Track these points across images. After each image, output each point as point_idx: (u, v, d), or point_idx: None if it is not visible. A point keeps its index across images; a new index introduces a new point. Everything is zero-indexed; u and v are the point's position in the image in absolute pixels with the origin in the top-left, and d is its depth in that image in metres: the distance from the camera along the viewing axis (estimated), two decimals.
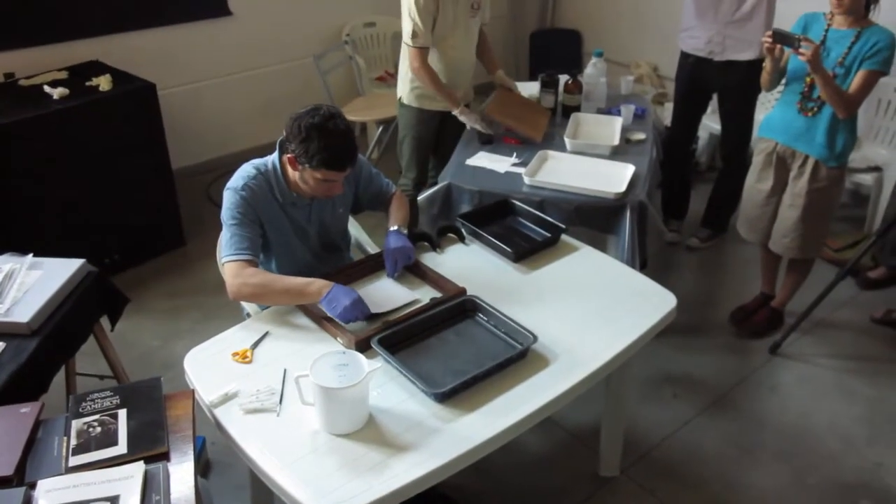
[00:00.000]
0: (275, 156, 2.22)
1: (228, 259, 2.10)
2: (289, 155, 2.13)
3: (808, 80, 2.76)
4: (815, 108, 2.78)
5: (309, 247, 2.35)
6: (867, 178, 3.87)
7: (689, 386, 3.00)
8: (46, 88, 3.40)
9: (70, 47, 3.80)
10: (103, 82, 3.48)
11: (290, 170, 2.18)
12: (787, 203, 2.96)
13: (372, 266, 2.32)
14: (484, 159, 3.04)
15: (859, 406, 2.91)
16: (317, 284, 2.05)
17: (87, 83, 3.49)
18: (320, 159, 2.07)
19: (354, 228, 2.64)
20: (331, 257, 2.42)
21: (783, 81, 2.93)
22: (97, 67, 3.72)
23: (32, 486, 1.56)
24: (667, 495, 2.52)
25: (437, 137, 3.41)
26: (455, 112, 3.18)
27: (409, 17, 3.04)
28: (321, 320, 2.05)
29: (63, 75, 3.61)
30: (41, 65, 3.66)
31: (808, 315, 3.14)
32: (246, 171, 2.20)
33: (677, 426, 2.81)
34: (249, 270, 2.08)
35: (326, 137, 2.05)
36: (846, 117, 2.73)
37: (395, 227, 2.36)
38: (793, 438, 2.76)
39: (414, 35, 3.05)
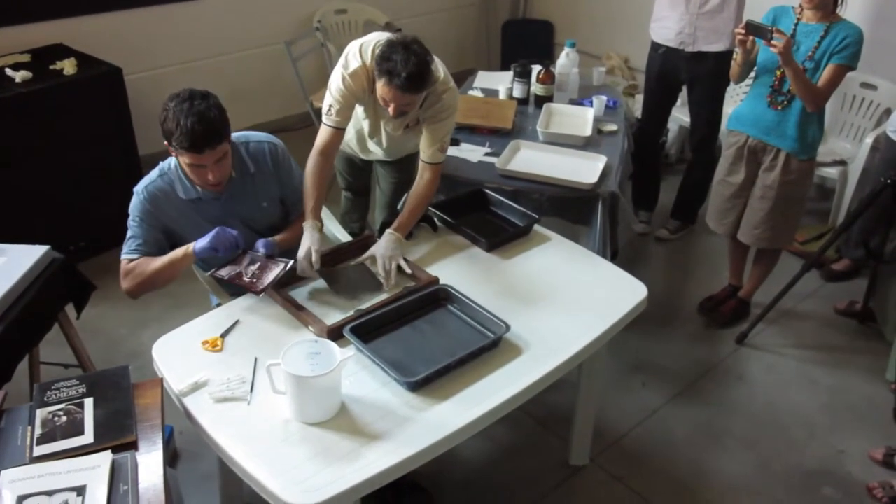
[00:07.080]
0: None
1: (121, 261, 2.15)
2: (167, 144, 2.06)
3: (778, 73, 2.79)
4: (785, 102, 2.81)
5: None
6: (832, 172, 3.93)
7: (658, 375, 3.04)
8: (8, 72, 3.31)
9: (33, 29, 3.69)
10: (68, 66, 3.40)
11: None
12: (757, 195, 3.00)
13: (349, 253, 2.32)
14: (456, 149, 3.03)
15: (822, 395, 2.97)
16: (182, 248, 2.08)
17: (51, 67, 3.41)
18: (178, 141, 1.98)
19: (325, 215, 2.61)
20: None
21: (752, 74, 2.96)
22: (61, 51, 3.63)
23: None
24: (636, 482, 2.55)
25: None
26: (305, 225, 2.23)
27: (330, 92, 2.39)
28: (293, 308, 2.04)
29: (26, 58, 3.52)
30: (2, 47, 3.56)
31: (773, 306, 3.19)
32: (151, 173, 2.20)
33: (646, 414, 2.84)
34: (130, 265, 2.13)
35: (181, 117, 1.95)
36: (815, 110, 2.78)
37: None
38: (759, 426, 2.81)
39: (328, 111, 2.37)
